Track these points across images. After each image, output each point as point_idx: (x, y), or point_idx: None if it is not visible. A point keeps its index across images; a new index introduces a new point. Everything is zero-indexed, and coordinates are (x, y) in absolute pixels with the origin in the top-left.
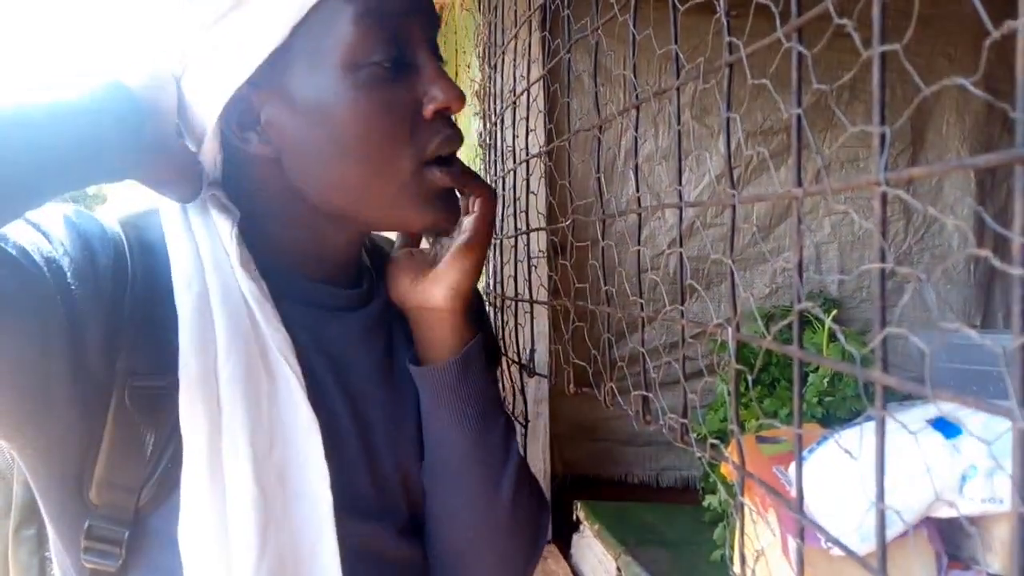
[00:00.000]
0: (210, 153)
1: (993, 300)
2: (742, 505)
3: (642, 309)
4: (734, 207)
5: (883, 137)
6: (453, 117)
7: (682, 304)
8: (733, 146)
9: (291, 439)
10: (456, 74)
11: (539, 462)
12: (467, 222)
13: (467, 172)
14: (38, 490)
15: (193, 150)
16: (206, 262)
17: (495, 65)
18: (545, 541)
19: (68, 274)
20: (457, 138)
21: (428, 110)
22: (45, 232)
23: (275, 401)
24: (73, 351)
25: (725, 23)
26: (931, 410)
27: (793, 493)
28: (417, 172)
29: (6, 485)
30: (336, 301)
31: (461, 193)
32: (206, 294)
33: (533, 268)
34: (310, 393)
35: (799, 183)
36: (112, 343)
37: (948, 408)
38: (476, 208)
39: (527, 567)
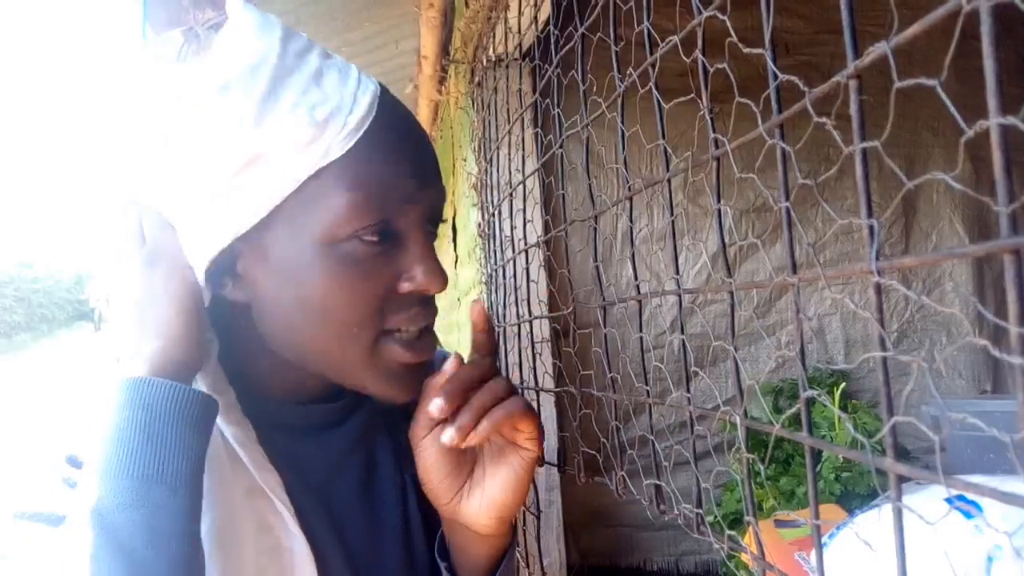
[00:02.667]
0: (205, 295)
1: (1002, 363)
2: None
3: (648, 395)
4: (732, 293)
5: (872, 229)
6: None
7: (687, 388)
8: (726, 230)
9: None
10: (453, 167)
11: (554, 552)
12: (524, 437)
13: (503, 390)
14: None
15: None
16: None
17: (491, 159)
18: None
19: None
20: (428, 316)
21: (404, 288)
22: None
23: (266, 538)
24: None
25: (709, 121)
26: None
27: None
28: (377, 345)
29: None
30: (310, 420)
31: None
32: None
33: (537, 355)
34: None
35: (794, 270)
36: None
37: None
38: (527, 430)
39: None
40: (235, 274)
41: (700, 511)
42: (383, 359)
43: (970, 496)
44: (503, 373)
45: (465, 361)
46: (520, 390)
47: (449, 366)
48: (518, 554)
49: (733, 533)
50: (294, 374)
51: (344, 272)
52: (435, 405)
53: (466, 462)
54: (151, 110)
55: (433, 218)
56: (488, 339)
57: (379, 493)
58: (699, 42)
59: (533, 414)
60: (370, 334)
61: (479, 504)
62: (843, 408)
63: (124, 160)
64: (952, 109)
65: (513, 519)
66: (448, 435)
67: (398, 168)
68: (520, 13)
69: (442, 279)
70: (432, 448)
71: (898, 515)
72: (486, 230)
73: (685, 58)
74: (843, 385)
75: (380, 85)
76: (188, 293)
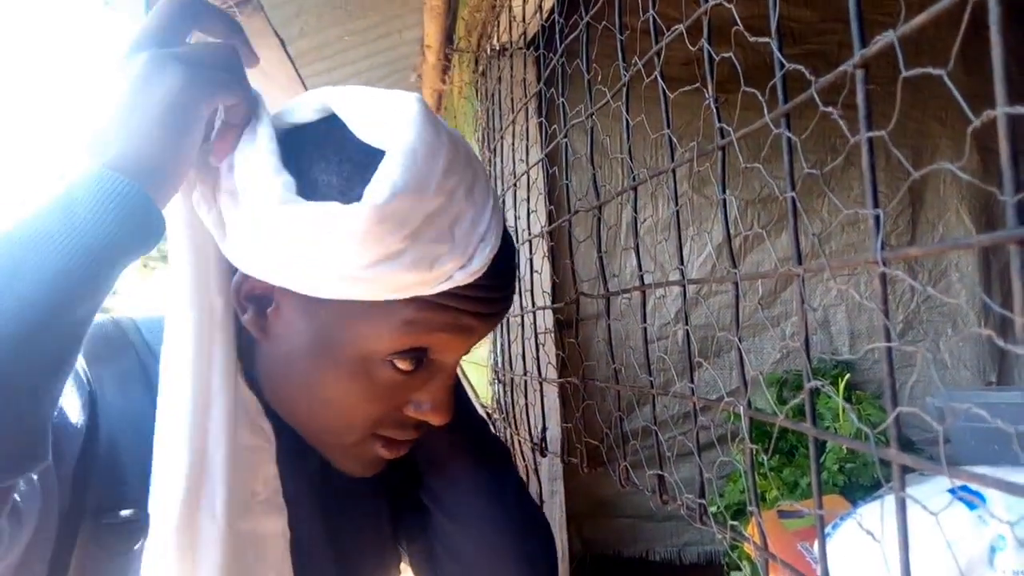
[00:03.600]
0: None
1: (1008, 355)
2: None
3: (652, 386)
4: (737, 283)
5: (878, 219)
6: None
7: (691, 379)
8: (731, 220)
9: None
10: None
11: (556, 542)
12: None
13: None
14: None
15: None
16: (215, 401)
17: (495, 149)
18: None
19: None
20: (419, 433)
21: (408, 411)
22: None
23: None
24: (49, 499)
25: (715, 109)
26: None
27: (819, 573)
28: (363, 441)
29: None
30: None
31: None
32: (205, 440)
33: (541, 346)
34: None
35: (799, 260)
36: (82, 477)
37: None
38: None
39: None
40: (262, 311)
41: (703, 501)
42: (361, 451)
43: (974, 487)
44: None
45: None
46: (524, 381)
47: None
48: None
49: (736, 524)
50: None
51: (361, 387)
52: None
53: None
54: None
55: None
56: None
57: (363, 493)
58: (705, 30)
59: None
60: (358, 436)
61: None
62: (847, 400)
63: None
64: (959, 98)
65: None
66: None
67: (467, 317)
68: (525, 1)
69: (449, 416)
70: None
71: (902, 505)
72: None
73: (691, 47)
74: (847, 376)
75: (503, 236)
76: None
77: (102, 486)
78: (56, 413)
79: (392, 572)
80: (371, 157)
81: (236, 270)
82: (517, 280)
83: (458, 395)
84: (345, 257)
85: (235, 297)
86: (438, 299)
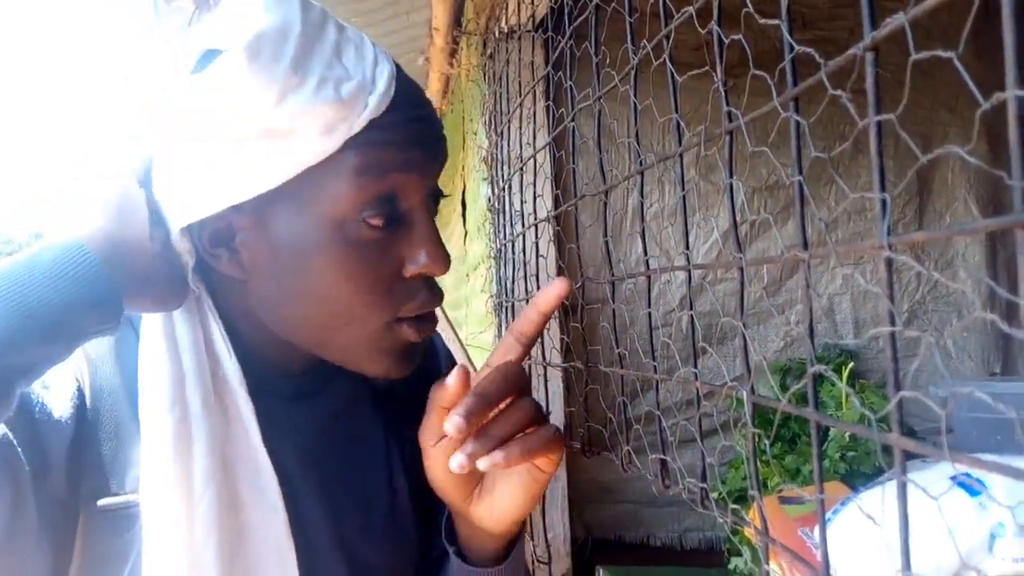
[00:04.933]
0: (183, 248)
1: (1012, 345)
2: (768, 573)
3: (656, 371)
4: (742, 269)
5: (884, 203)
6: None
7: (695, 365)
8: (738, 206)
9: (263, 541)
10: (463, 141)
11: (558, 526)
12: (544, 462)
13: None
14: None
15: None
16: (188, 377)
17: (501, 132)
18: None
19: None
20: (436, 301)
21: (410, 271)
22: None
23: (247, 509)
24: (38, 493)
25: (723, 92)
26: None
27: (820, 558)
28: (388, 327)
29: None
30: (293, 389)
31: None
32: (187, 417)
33: (545, 330)
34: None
35: (805, 246)
36: (75, 466)
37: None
38: (546, 447)
39: None
40: (232, 248)
41: (704, 486)
42: (390, 342)
43: (975, 474)
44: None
45: (470, 371)
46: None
47: (453, 380)
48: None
49: (737, 508)
50: (279, 347)
51: (350, 256)
52: (452, 424)
53: (477, 472)
54: (157, 65)
55: (435, 194)
56: (538, 326)
57: (365, 464)
58: (715, 13)
59: (559, 446)
60: (380, 320)
61: (488, 510)
62: (851, 387)
63: (120, 111)
64: (968, 81)
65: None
66: (457, 461)
67: (409, 150)
68: None
69: (446, 261)
70: (440, 457)
71: (902, 489)
72: (496, 204)
73: (700, 30)
74: (851, 365)
75: (393, 60)
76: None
77: (98, 470)
78: (39, 409)
79: (408, 520)
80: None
81: (190, 235)
82: (442, 129)
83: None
84: (254, 108)
85: (203, 248)
86: (373, 138)
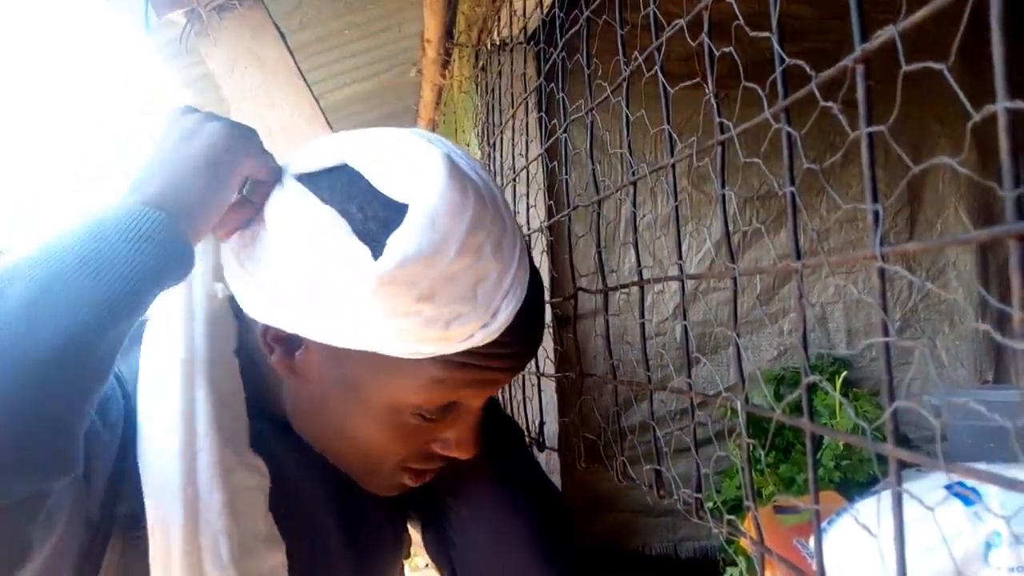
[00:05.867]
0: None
1: (1004, 353)
2: None
3: (649, 381)
4: (735, 279)
5: (877, 214)
6: None
7: (689, 374)
8: (730, 216)
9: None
10: None
11: None
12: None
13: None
14: None
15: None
16: (201, 454)
17: (494, 144)
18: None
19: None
20: (444, 463)
21: (435, 447)
22: None
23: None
24: (79, 506)
25: (714, 105)
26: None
27: (815, 567)
28: (392, 470)
29: None
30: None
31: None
32: (196, 495)
33: None
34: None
35: (798, 256)
36: (113, 488)
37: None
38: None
39: None
40: (290, 353)
41: (699, 496)
42: (388, 480)
43: (970, 483)
44: None
45: None
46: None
47: None
48: None
49: (732, 518)
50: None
51: (390, 432)
52: None
53: None
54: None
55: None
56: None
57: (368, 536)
58: (705, 25)
59: None
60: (391, 467)
61: None
62: (844, 396)
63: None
64: (958, 91)
65: None
66: None
67: (492, 373)
68: None
69: (473, 452)
70: None
71: (898, 500)
72: None
73: (691, 42)
74: (844, 374)
75: (530, 283)
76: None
77: (134, 497)
78: (89, 427)
79: (398, 560)
80: (396, 211)
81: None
82: (545, 324)
83: None
84: (361, 310)
85: (262, 340)
86: (465, 359)
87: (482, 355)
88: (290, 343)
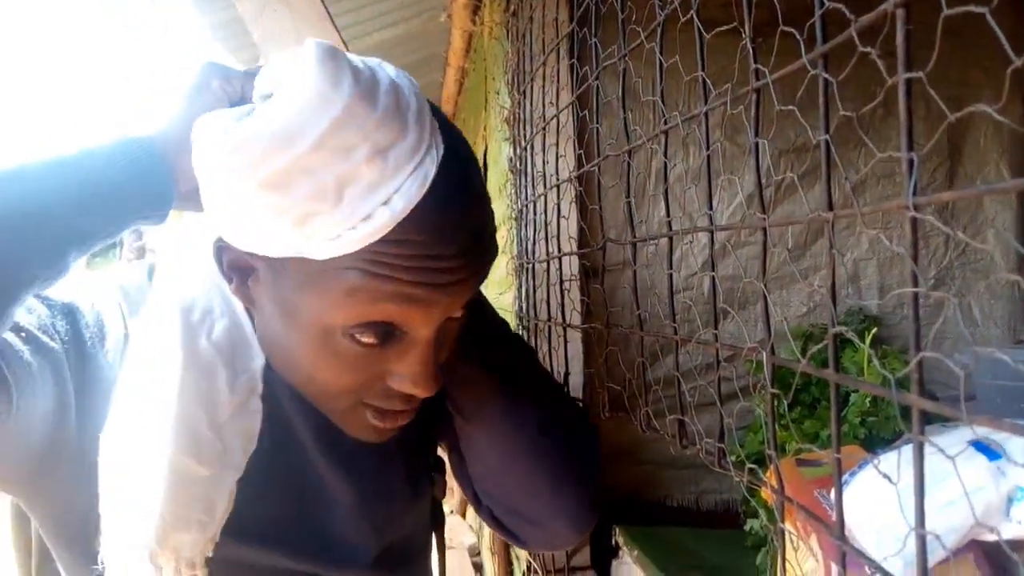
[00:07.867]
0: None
1: None
2: (783, 531)
3: (676, 332)
4: (765, 230)
5: (911, 162)
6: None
7: (716, 327)
8: (763, 168)
9: None
10: (485, 100)
11: None
12: None
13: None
14: (49, 541)
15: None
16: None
17: (524, 91)
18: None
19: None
20: (407, 404)
21: (391, 383)
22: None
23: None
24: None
25: (751, 50)
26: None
27: (835, 518)
28: (353, 408)
29: (27, 524)
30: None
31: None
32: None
33: (565, 292)
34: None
35: (830, 206)
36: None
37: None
38: None
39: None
40: (244, 280)
41: (722, 445)
42: (354, 418)
43: (995, 439)
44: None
45: None
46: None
47: None
48: None
49: (754, 467)
50: None
51: (329, 358)
52: None
53: None
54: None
55: (455, 313)
56: None
57: (372, 475)
58: None
59: None
60: (346, 403)
61: None
62: (873, 352)
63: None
64: (1000, 35)
65: None
66: None
67: (411, 287)
68: None
69: (432, 387)
70: None
71: (919, 449)
72: (517, 165)
73: None
74: (875, 330)
75: (447, 145)
76: None
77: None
78: (94, 319)
79: (419, 501)
80: (264, 100)
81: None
82: (485, 249)
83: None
84: (231, 198)
85: (221, 269)
86: (375, 268)
87: (398, 266)
88: (244, 271)
